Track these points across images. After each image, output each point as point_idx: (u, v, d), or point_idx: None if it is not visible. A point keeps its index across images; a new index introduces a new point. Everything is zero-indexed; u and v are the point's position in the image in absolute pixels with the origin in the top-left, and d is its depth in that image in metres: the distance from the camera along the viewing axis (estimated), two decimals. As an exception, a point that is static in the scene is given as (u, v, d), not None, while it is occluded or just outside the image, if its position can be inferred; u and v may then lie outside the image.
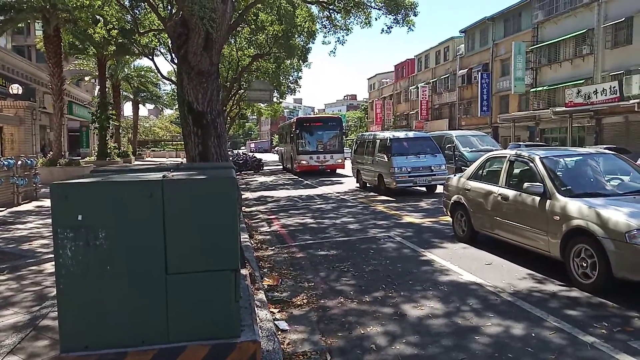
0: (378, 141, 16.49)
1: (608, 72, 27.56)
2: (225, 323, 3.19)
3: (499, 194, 7.21)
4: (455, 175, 9.17)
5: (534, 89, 33.55)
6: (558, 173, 6.71)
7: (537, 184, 6.39)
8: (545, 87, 32.77)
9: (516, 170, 7.28)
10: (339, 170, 26.71)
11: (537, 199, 6.36)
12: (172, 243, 3.10)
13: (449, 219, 10.58)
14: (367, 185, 17.65)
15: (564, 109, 28.54)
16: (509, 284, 5.90)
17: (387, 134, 16.77)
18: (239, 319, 3.28)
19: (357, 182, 18.76)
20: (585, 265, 5.55)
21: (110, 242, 3.01)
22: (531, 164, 6.82)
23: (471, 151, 17.74)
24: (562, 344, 4.19)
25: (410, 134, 17.40)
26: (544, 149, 8.19)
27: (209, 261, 3.15)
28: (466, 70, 42.87)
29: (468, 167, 15.00)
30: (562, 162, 7.04)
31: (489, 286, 5.82)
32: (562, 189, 6.23)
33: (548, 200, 6.18)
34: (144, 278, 3.08)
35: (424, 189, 15.93)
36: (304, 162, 25.62)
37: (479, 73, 39.81)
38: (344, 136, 29.37)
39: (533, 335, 4.38)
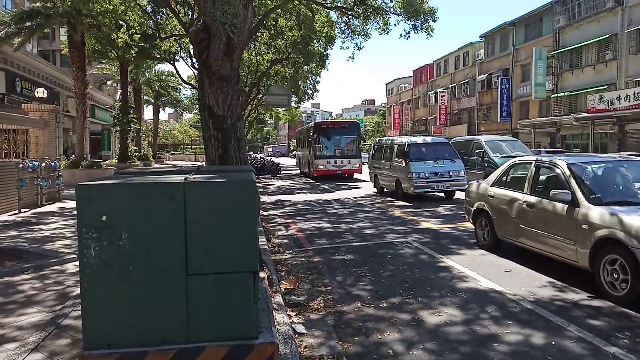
0: (396, 146, 16.43)
1: (632, 78, 27.02)
2: (244, 324, 3.21)
3: (524, 201, 7.04)
4: (477, 182, 8.98)
5: (555, 95, 33.07)
6: (586, 180, 6.49)
7: (565, 191, 6.21)
8: (566, 93, 32.27)
9: (542, 177, 7.11)
10: (356, 175, 26.69)
11: (565, 206, 6.17)
12: (192, 244, 3.14)
13: (467, 225, 10.50)
14: (385, 190, 17.58)
15: (585, 115, 28.06)
16: (529, 291, 5.82)
17: (405, 139, 16.70)
18: (257, 321, 3.30)
19: (374, 187, 18.72)
20: (616, 276, 5.37)
21: (132, 242, 3.06)
22: (558, 171, 6.65)
23: (501, 157, 16.83)
24: (583, 353, 4.12)
25: (429, 139, 17.29)
26: (571, 155, 7.98)
27: (229, 263, 3.18)
28: (486, 75, 42.47)
29: None
30: (589, 169, 6.81)
31: (509, 294, 5.76)
32: (591, 196, 6.03)
33: (576, 208, 5.99)
34: (165, 279, 3.12)
35: (442, 194, 15.81)
36: (321, 166, 25.66)
37: (499, 78, 39.38)
38: (361, 141, 29.33)
39: (553, 344, 4.31)
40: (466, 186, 9.25)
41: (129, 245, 3.06)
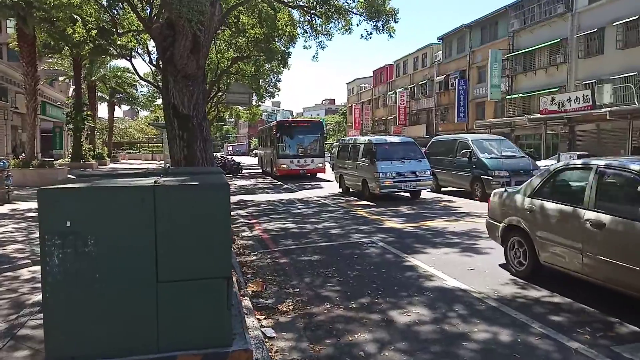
0: (361, 146, 16.45)
1: (581, 81, 28.30)
2: (217, 332, 3.13)
3: (587, 220, 5.33)
4: (506, 190, 7.23)
5: (510, 96, 34.23)
6: None
7: None
8: (520, 95, 33.47)
9: (612, 188, 5.58)
10: (319, 175, 26.71)
11: None
12: (163, 250, 3.03)
13: (429, 224, 10.70)
14: (351, 190, 17.61)
15: (538, 116, 29.19)
16: (493, 289, 5.96)
17: (371, 138, 16.75)
18: (230, 328, 3.23)
19: (339, 187, 18.73)
20: None
21: (99, 249, 2.93)
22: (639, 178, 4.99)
23: (491, 158, 15.29)
24: (548, 349, 4.25)
25: (396, 139, 17.40)
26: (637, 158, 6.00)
27: (201, 269, 3.09)
28: (443, 76, 43.45)
29: (490, 176, 14.60)
30: None
31: (474, 292, 5.88)
32: None
33: None
34: (134, 286, 3.00)
35: (407, 194, 15.99)
36: (284, 165, 25.52)
37: (456, 80, 40.39)
38: (324, 140, 29.37)
39: (519, 341, 4.43)
40: (492, 195, 7.53)
41: (95, 252, 2.93)
